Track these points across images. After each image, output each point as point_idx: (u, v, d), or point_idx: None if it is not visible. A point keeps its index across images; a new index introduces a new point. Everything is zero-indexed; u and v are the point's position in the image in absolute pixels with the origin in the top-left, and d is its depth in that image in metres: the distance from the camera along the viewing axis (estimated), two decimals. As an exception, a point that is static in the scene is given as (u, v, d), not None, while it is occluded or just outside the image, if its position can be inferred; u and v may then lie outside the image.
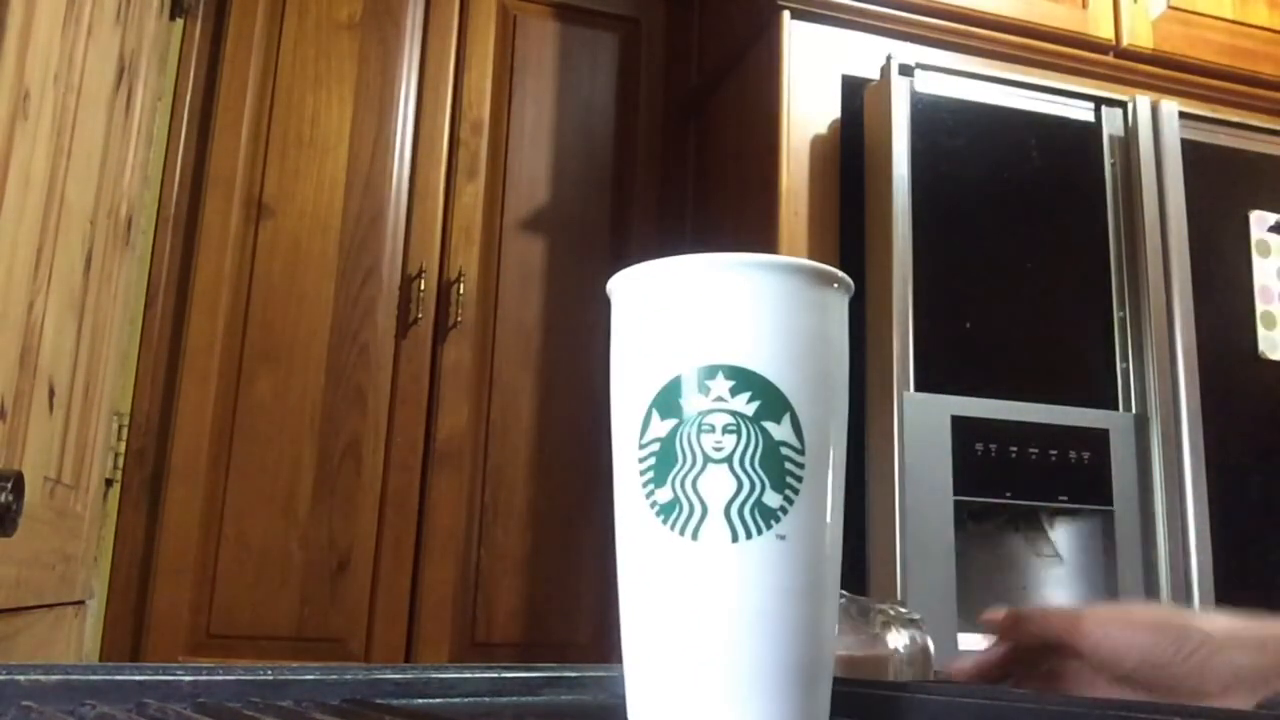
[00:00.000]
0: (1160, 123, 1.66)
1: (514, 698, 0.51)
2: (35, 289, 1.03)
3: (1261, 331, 1.65)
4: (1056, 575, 1.53)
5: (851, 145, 1.62)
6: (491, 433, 1.81)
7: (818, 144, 1.63)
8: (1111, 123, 1.67)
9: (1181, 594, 1.49)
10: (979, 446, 1.46)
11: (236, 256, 1.75)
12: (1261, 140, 1.75)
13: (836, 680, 0.40)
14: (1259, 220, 1.69)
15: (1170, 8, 1.86)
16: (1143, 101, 1.67)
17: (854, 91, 1.65)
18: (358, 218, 1.81)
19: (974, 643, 0.60)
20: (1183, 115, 1.68)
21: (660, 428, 0.38)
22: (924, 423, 1.44)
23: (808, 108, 1.63)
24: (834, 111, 1.64)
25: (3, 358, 0.95)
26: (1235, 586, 1.51)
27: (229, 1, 1.81)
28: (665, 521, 0.37)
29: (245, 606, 1.65)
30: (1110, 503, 1.50)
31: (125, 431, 1.65)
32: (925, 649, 0.55)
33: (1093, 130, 1.67)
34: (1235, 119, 1.75)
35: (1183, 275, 1.60)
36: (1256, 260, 1.67)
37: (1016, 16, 1.75)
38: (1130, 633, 0.53)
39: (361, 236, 1.81)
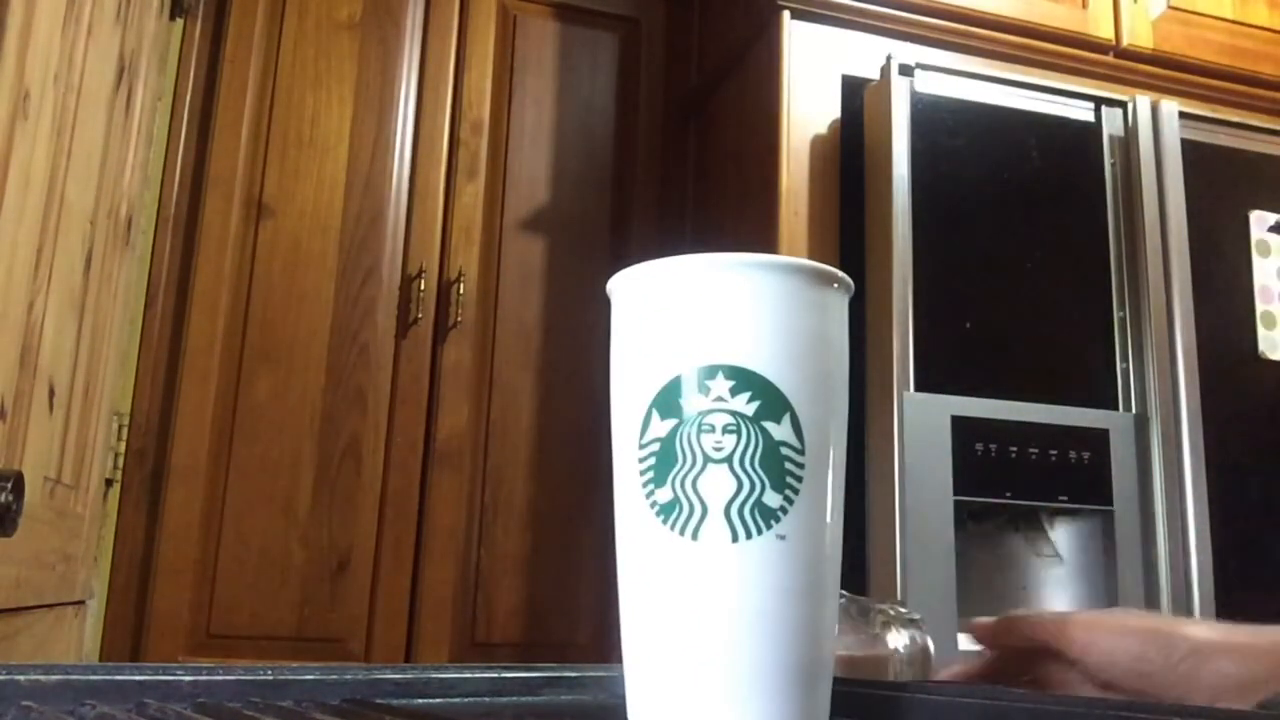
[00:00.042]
0: (1160, 123, 1.66)
1: (514, 698, 0.51)
2: (35, 289, 1.03)
3: (1261, 331, 1.65)
4: (1056, 575, 1.53)
5: (851, 145, 1.62)
6: (491, 433, 1.81)
7: (818, 144, 1.63)
8: (1111, 123, 1.67)
9: (1181, 594, 1.49)
10: (979, 446, 1.46)
11: (236, 256, 1.75)
12: (1261, 140, 1.75)
13: (836, 680, 0.40)
14: (1259, 220, 1.69)
15: (1170, 8, 1.86)
16: (1143, 101, 1.67)
17: (854, 91, 1.65)
18: (358, 218, 1.81)
19: (974, 643, 0.61)
20: (1183, 115, 1.68)
21: (660, 428, 0.38)
22: (924, 423, 1.44)
23: (808, 108, 1.63)
24: (834, 111, 1.64)
25: (3, 358, 0.95)
26: (1235, 587, 1.51)
27: (229, 1, 1.81)
28: (665, 521, 0.37)
29: (245, 606, 1.65)
30: (1110, 503, 1.50)
31: (125, 431, 1.65)
32: (925, 649, 0.55)
33: (1093, 130, 1.67)
34: (1235, 119, 1.75)
35: (1183, 275, 1.60)
36: (1256, 260, 1.67)
37: (1016, 16, 1.75)
38: (1118, 639, 0.53)
39: (361, 236, 1.81)
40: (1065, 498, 1.48)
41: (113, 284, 1.44)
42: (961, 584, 1.41)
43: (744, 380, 0.37)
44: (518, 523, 1.80)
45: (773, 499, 0.36)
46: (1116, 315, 1.60)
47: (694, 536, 0.37)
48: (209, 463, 1.67)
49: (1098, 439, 1.52)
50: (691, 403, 0.37)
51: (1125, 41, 1.81)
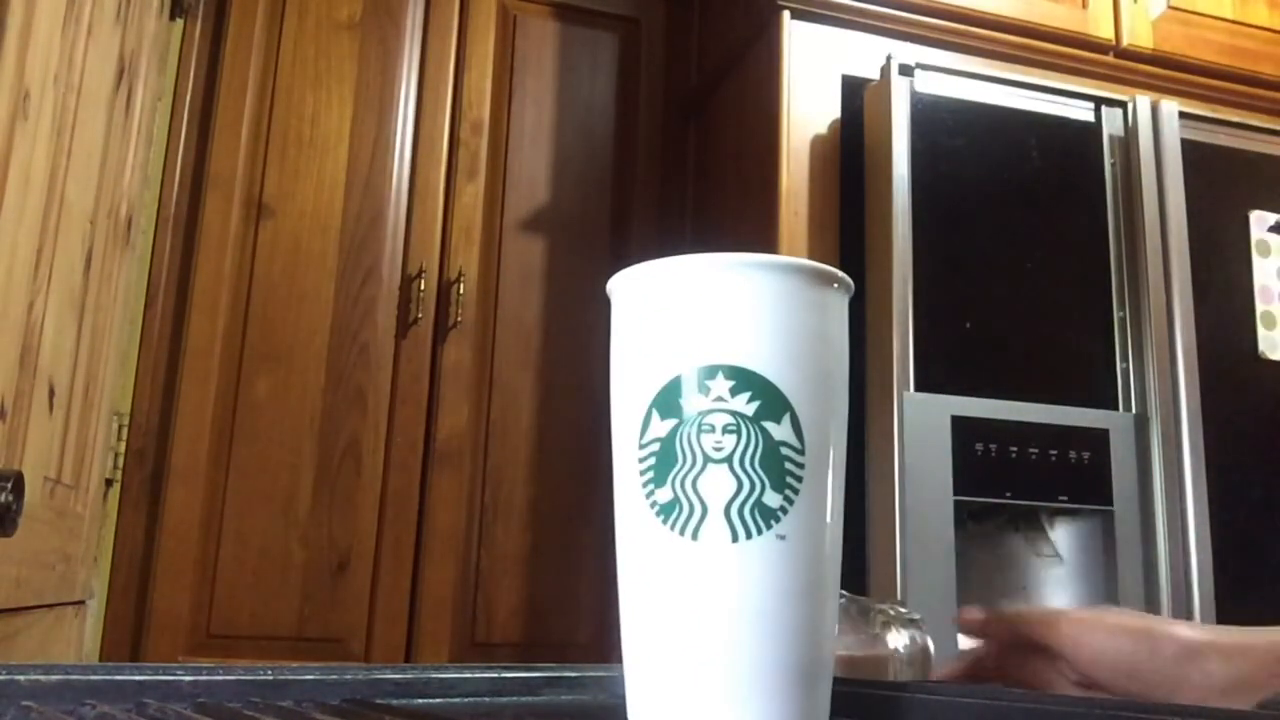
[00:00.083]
0: (1160, 123, 1.66)
1: (514, 698, 0.51)
2: (35, 289, 1.03)
3: (1261, 331, 1.65)
4: (1056, 575, 1.53)
5: (851, 145, 1.62)
6: (491, 433, 1.81)
7: (818, 144, 1.63)
8: (1111, 123, 1.67)
9: (1181, 594, 1.49)
10: (979, 446, 1.46)
11: (236, 256, 1.75)
12: (1261, 140, 1.75)
13: (836, 680, 0.40)
14: (1259, 220, 1.69)
15: (1170, 8, 1.86)
16: (1143, 101, 1.67)
17: (854, 91, 1.65)
18: (358, 218, 1.81)
19: (962, 633, 0.61)
20: (1183, 115, 1.68)
21: (660, 428, 0.38)
22: (924, 423, 1.44)
23: (808, 108, 1.63)
24: (834, 111, 1.64)
25: (3, 358, 0.95)
26: (1235, 587, 1.51)
27: (229, 1, 1.82)
28: (665, 521, 0.37)
29: (245, 606, 1.65)
30: (1110, 503, 1.50)
31: (125, 431, 1.65)
32: (925, 649, 0.55)
33: (1093, 130, 1.67)
34: (1235, 119, 1.75)
35: (1183, 275, 1.60)
36: (1256, 260, 1.67)
37: (1016, 16, 1.75)
38: (1107, 638, 0.53)
39: (361, 236, 1.81)
40: (1065, 498, 1.48)
41: (113, 284, 1.44)
42: (961, 584, 1.41)
43: (744, 380, 0.37)
44: (518, 523, 1.80)
45: (773, 499, 0.36)
46: (1116, 315, 1.60)
47: (694, 536, 0.37)
48: (209, 463, 1.67)
49: (1098, 439, 1.52)
50: (691, 403, 0.37)
51: (1125, 41, 1.81)
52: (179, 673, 0.43)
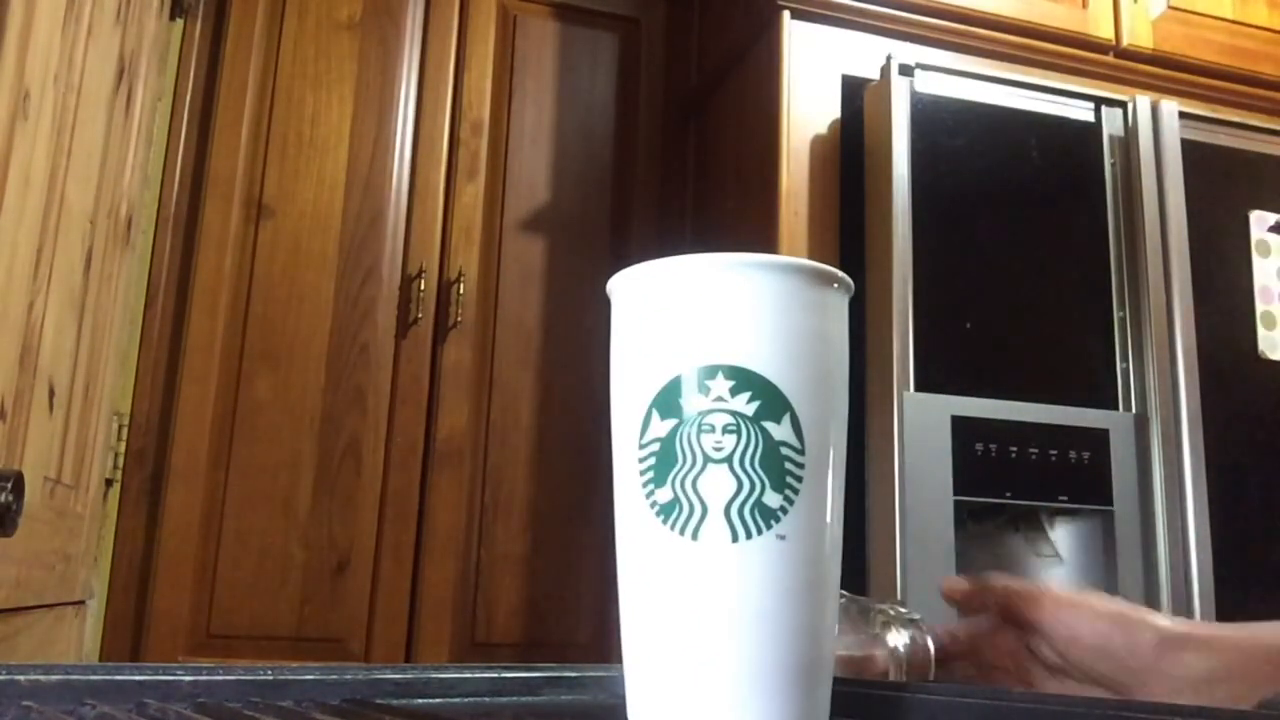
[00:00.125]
0: (1160, 123, 1.66)
1: (514, 698, 0.51)
2: (35, 289, 1.03)
3: (1261, 331, 1.65)
4: (1056, 575, 1.53)
5: (851, 145, 1.62)
6: (491, 433, 1.81)
7: (818, 144, 1.63)
8: (1111, 123, 1.67)
9: (1181, 594, 1.49)
10: (979, 446, 1.46)
11: (236, 256, 1.75)
12: (1261, 140, 1.75)
13: (836, 680, 0.40)
14: (1259, 220, 1.69)
15: (1170, 8, 1.86)
16: (1143, 101, 1.67)
17: (854, 91, 1.65)
18: (358, 218, 1.81)
19: (946, 601, 0.61)
20: (1183, 115, 1.68)
21: (660, 428, 0.38)
22: (924, 423, 1.44)
23: (808, 108, 1.63)
24: (834, 111, 1.64)
25: (3, 358, 0.95)
26: (1235, 586, 1.51)
27: (229, 1, 1.82)
28: (665, 521, 0.37)
29: (245, 606, 1.65)
30: (1110, 503, 1.50)
31: (125, 431, 1.65)
32: (925, 649, 0.55)
33: (1093, 130, 1.67)
34: (1235, 119, 1.75)
35: (1183, 275, 1.60)
36: (1256, 260, 1.67)
37: (1016, 16, 1.75)
38: (1088, 619, 0.53)
39: (361, 236, 1.81)
40: (1065, 498, 1.48)
41: (113, 284, 1.44)
42: (961, 584, 1.41)
43: (744, 380, 0.37)
44: (518, 523, 1.80)
45: (773, 499, 0.36)
46: (1116, 315, 1.60)
47: (694, 536, 0.37)
48: (209, 463, 1.67)
49: (1098, 439, 1.52)
50: (691, 403, 0.37)
51: (1125, 41, 1.81)
52: (179, 673, 0.43)
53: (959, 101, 1.61)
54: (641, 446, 0.38)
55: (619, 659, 0.40)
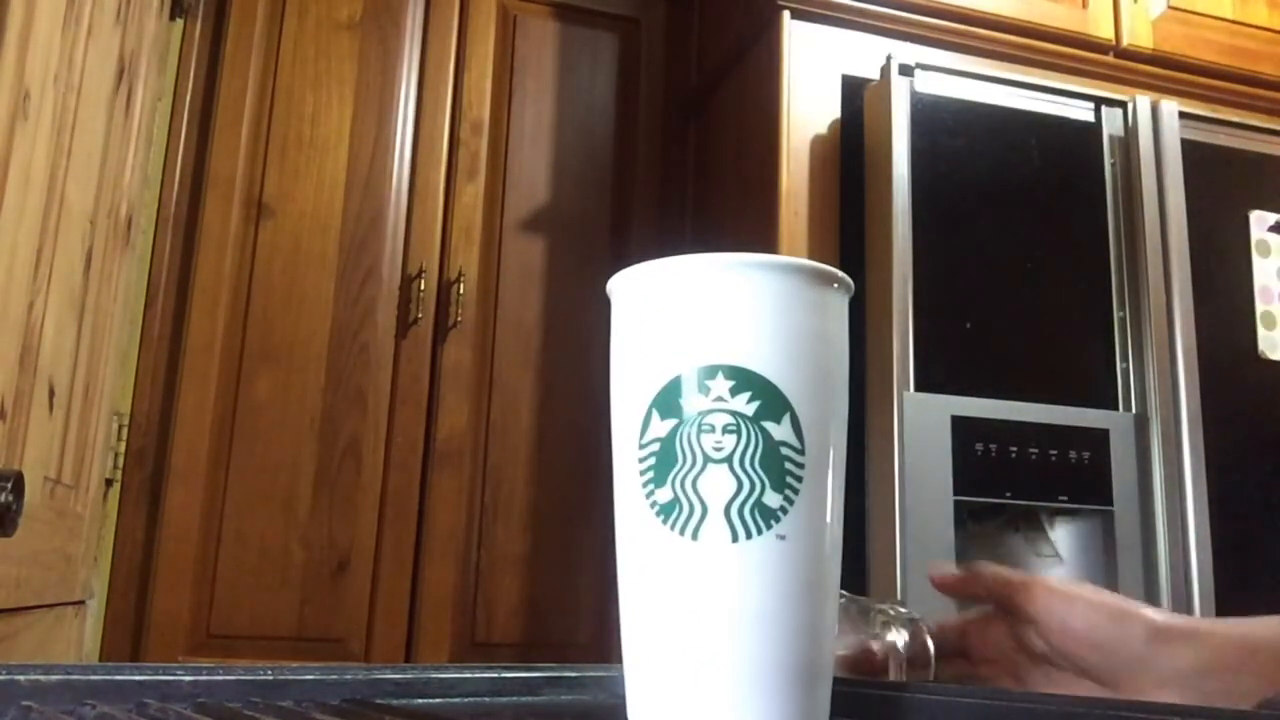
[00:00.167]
0: (1160, 123, 1.66)
1: (514, 698, 0.51)
2: (35, 289, 1.03)
3: (1261, 331, 1.65)
4: (1057, 575, 1.53)
5: (851, 145, 1.62)
6: (491, 433, 1.81)
7: (818, 144, 1.63)
8: (1111, 123, 1.67)
9: (1181, 594, 1.49)
10: (979, 446, 1.46)
11: (236, 256, 1.75)
12: (1261, 140, 1.75)
13: (836, 680, 0.40)
14: (1259, 220, 1.69)
15: (1170, 8, 1.86)
16: (1143, 101, 1.67)
17: (854, 91, 1.65)
18: (358, 218, 1.81)
19: (936, 590, 0.61)
20: (1183, 115, 1.68)
21: (660, 428, 0.38)
22: (924, 423, 1.44)
23: (808, 108, 1.63)
24: (834, 111, 1.64)
25: (3, 358, 0.95)
26: (1235, 586, 1.51)
27: (229, 1, 1.82)
28: (665, 521, 0.37)
29: (245, 606, 1.65)
30: (1110, 503, 1.50)
31: (125, 431, 1.65)
32: (925, 648, 0.55)
33: (1093, 130, 1.67)
34: (1235, 119, 1.75)
35: (1183, 275, 1.60)
36: (1256, 260, 1.67)
37: (1016, 16, 1.75)
38: (1080, 609, 0.53)
39: (361, 236, 1.81)
40: (1065, 498, 1.48)
41: (113, 284, 1.44)
42: (961, 584, 1.41)
43: (744, 380, 0.37)
44: (518, 523, 1.80)
45: (773, 499, 0.36)
46: (1116, 315, 1.60)
47: (694, 536, 0.37)
48: (209, 463, 1.67)
49: (1098, 439, 1.52)
50: (691, 403, 0.37)
51: (1125, 41, 1.81)
52: (179, 673, 0.43)
53: (959, 101, 1.61)
54: (641, 446, 0.38)
55: (619, 659, 0.40)
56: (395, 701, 0.47)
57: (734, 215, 1.82)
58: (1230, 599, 1.49)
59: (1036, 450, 1.48)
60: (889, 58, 1.58)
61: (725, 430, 0.37)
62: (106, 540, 1.62)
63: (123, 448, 1.65)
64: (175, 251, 1.74)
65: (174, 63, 1.78)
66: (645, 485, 0.38)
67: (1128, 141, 1.66)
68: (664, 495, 0.37)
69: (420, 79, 1.89)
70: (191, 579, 1.63)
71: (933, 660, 0.55)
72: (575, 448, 1.83)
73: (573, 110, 1.99)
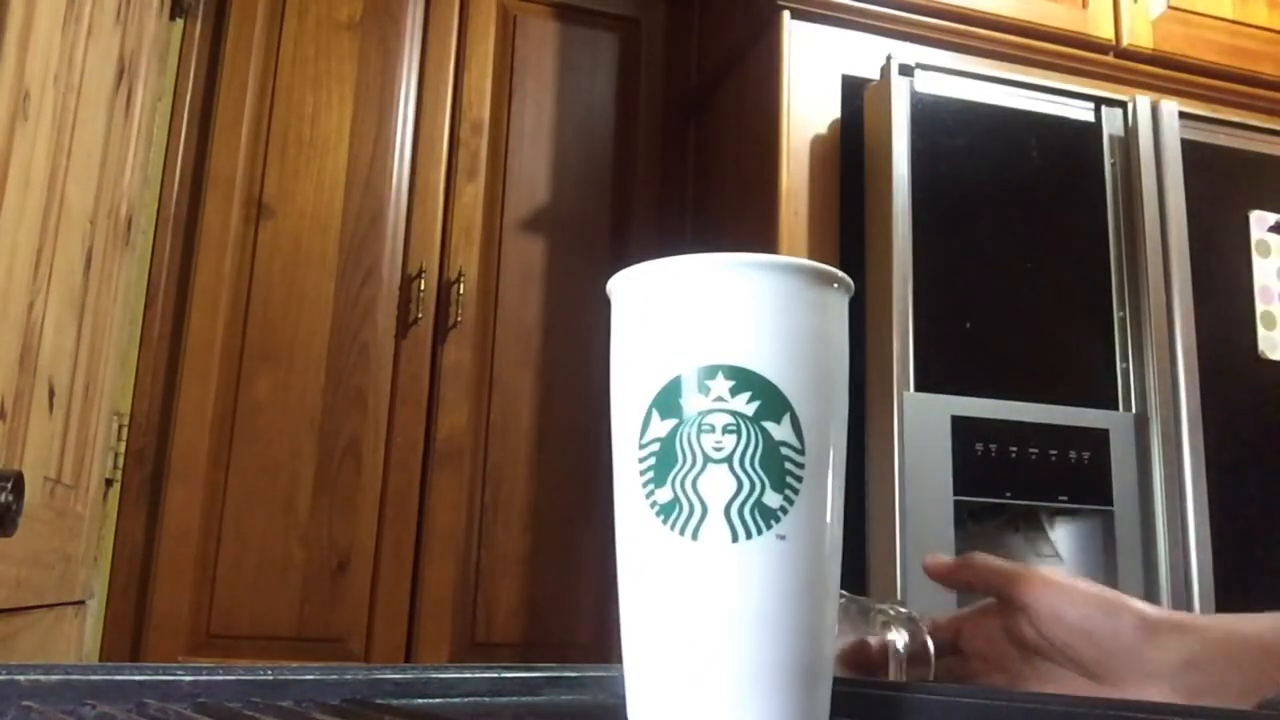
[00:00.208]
0: (1160, 123, 1.66)
1: (514, 698, 0.51)
2: (35, 289, 1.03)
3: (1261, 331, 1.65)
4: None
5: (851, 145, 1.62)
6: (491, 433, 1.81)
7: (818, 144, 1.63)
8: (1111, 123, 1.67)
9: (1181, 594, 1.49)
10: (979, 446, 1.46)
11: (236, 256, 1.75)
12: (1261, 140, 1.75)
13: (836, 680, 0.40)
14: (1259, 220, 1.69)
15: (1170, 8, 1.86)
16: (1143, 101, 1.67)
17: (854, 91, 1.65)
18: (358, 218, 1.81)
19: (931, 579, 0.62)
20: (1183, 115, 1.68)
21: (660, 428, 0.38)
22: (924, 423, 1.44)
23: (808, 108, 1.63)
24: (834, 111, 1.64)
25: (3, 358, 0.95)
26: (1235, 586, 1.51)
27: (229, 1, 1.82)
28: (665, 521, 0.37)
29: (245, 606, 1.65)
30: (1110, 503, 1.50)
31: (125, 431, 1.65)
32: (925, 648, 0.55)
33: (1093, 130, 1.67)
34: (1235, 119, 1.75)
35: (1183, 275, 1.60)
36: (1256, 260, 1.67)
37: (1016, 16, 1.75)
38: (1072, 599, 0.54)
39: (361, 236, 1.81)
40: (1065, 498, 1.48)
41: (113, 284, 1.44)
42: (961, 584, 1.41)
43: (744, 380, 0.37)
44: (518, 523, 1.80)
45: (773, 499, 0.36)
46: (1116, 315, 1.60)
47: (694, 536, 0.37)
48: (209, 463, 1.67)
49: (1098, 439, 1.52)
50: (691, 403, 0.37)
51: (1125, 41, 1.81)
52: (179, 673, 0.43)
53: (959, 101, 1.61)
54: (641, 446, 0.38)
55: (619, 659, 0.40)
56: (395, 701, 0.47)
57: (734, 215, 1.82)
58: (1230, 599, 1.49)
59: (1036, 450, 1.48)
60: (889, 58, 1.58)
61: (725, 430, 0.37)
62: (106, 540, 1.62)
63: (123, 448, 1.65)
64: (175, 251, 1.74)
65: (174, 63, 1.78)
66: (645, 485, 0.38)
67: (1128, 141, 1.66)
68: (664, 495, 0.37)
69: (420, 79, 1.89)
70: (191, 579, 1.63)
71: (933, 659, 0.55)
72: (575, 448, 1.83)
73: (573, 110, 1.99)
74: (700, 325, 0.38)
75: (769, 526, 0.36)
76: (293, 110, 1.82)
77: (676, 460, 0.37)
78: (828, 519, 0.38)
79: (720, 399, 0.37)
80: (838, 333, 0.40)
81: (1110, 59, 1.80)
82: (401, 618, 1.70)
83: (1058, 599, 0.54)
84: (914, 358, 1.47)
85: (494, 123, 1.92)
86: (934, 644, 0.55)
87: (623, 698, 0.39)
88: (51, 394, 1.14)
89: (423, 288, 1.79)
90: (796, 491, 0.37)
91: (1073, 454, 1.49)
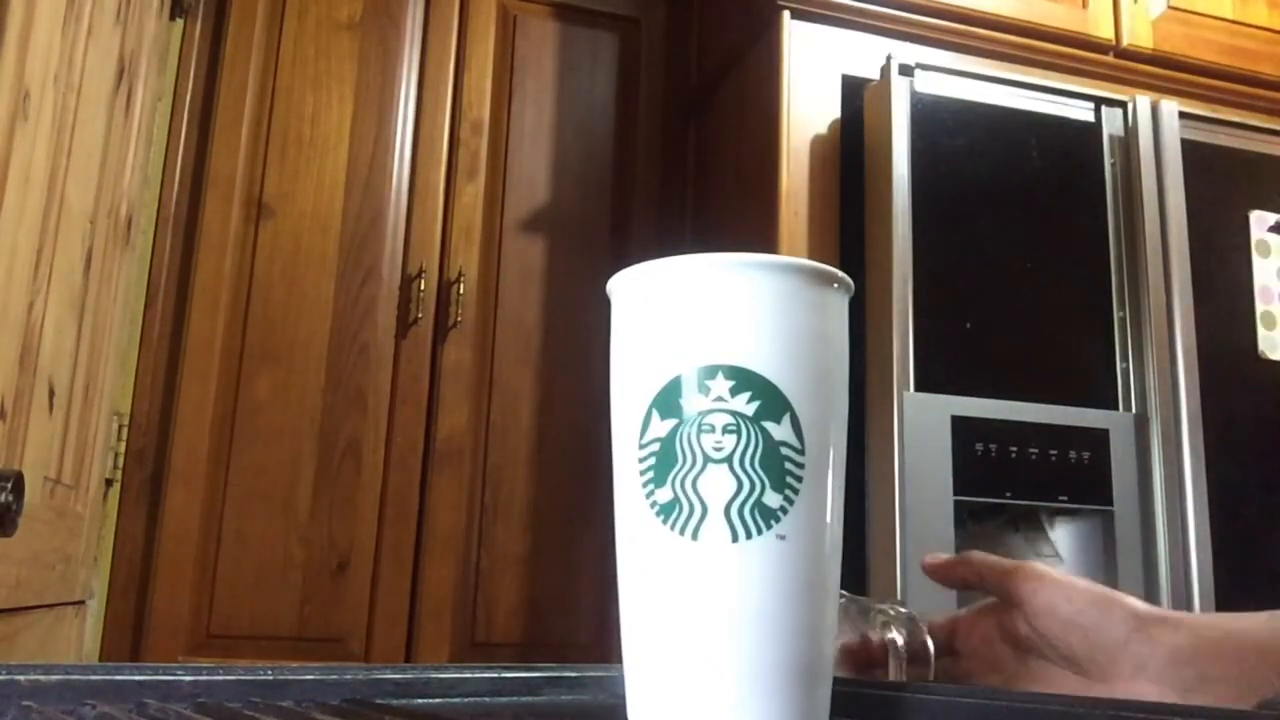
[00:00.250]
0: (1160, 123, 1.66)
1: (514, 698, 0.51)
2: (35, 289, 1.03)
3: (1261, 331, 1.65)
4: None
5: (851, 145, 1.62)
6: (491, 433, 1.81)
7: (818, 144, 1.63)
8: (1111, 123, 1.67)
9: (1181, 594, 1.49)
10: (979, 446, 1.46)
11: (236, 256, 1.75)
12: (1261, 140, 1.75)
13: (836, 680, 0.40)
14: (1259, 220, 1.69)
15: (1170, 8, 1.86)
16: (1143, 101, 1.67)
17: (854, 91, 1.65)
18: (358, 218, 1.81)
19: (927, 577, 0.62)
20: (1183, 115, 1.68)
21: (660, 428, 0.38)
22: (924, 423, 1.44)
23: (808, 108, 1.63)
24: (834, 111, 1.64)
25: (3, 358, 0.95)
26: (1235, 586, 1.51)
27: (229, 1, 1.82)
28: (665, 521, 0.37)
29: (245, 606, 1.65)
30: (1110, 503, 1.50)
31: (125, 431, 1.65)
32: (925, 647, 0.55)
33: (1093, 130, 1.67)
34: (1235, 119, 1.75)
35: (1183, 275, 1.60)
36: (1256, 260, 1.67)
37: (1016, 16, 1.75)
38: (1063, 594, 0.54)
39: (361, 236, 1.81)
40: (1065, 498, 1.48)
41: (113, 284, 1.44)
42: (961, 584, 1.41)
43: (744, 380, 0.37)
44: (518, 523, 1.80)
45: (773, 499, 0.36)
46: (1116, 315, 1.60)
47: (694, 536, 0.36)
48: (209, 463, 1.67)
49: (1098, 439, 1.52)
50: (691, 403, 0.37)
51: (1125, 41, 1.81)
52: (179, 673, 0.43)
53: (959, 101, 1.61)
54: (641, 446, 0.38)
55: (619, 659, 0.40)
56: (395, 701, 0.47)
57: (734, 215, 1.82)
58: (1230, 599, 1.49)
59: (1036, 450, 1.48)
60: (889, 58, 1.58)
61: (725, 430, 0.37)
62: (106, 540, 1.62)
63: (123, 448, 1.65)
64: (175, 251, 1.74)
65: (174, 63, 1.78)
66: (645, 485, 0.38)
67: (1128, 141, 1.66)
68: (664, 495, 0.37)
69: (420, 79, 1.89)
70: (191, 579, 1.63)
71: (933, 659, 0.55)
72: (575, 448, 1.83)
73: (573, 110, 1.99)
74: (700, 325, 0.38)
75: (769, 526, 0.36)
76: (293, 110, 1.82)
77: (676, 460, 0.37)
78: (828, 519, 0.38)
79: (720, 399, 0.37)
80: (838, 333, 0.40)
81: (1110, 59, 1.80)
82: (401, 618, 1.70)
83: (1053, 593, 0.54)
84: (914, 358, 1.47)
85: (494, 123, 1.92)
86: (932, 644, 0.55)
87: (623, 698, 0.39)
88: (51, 394, 1.14)
89: (423, 288, 1.79)
90: (796, 491, 0.37)
91: (1073, 454, 1.49)
